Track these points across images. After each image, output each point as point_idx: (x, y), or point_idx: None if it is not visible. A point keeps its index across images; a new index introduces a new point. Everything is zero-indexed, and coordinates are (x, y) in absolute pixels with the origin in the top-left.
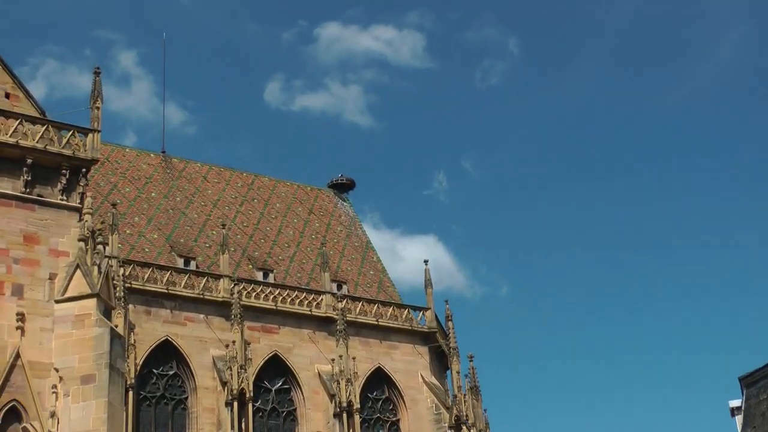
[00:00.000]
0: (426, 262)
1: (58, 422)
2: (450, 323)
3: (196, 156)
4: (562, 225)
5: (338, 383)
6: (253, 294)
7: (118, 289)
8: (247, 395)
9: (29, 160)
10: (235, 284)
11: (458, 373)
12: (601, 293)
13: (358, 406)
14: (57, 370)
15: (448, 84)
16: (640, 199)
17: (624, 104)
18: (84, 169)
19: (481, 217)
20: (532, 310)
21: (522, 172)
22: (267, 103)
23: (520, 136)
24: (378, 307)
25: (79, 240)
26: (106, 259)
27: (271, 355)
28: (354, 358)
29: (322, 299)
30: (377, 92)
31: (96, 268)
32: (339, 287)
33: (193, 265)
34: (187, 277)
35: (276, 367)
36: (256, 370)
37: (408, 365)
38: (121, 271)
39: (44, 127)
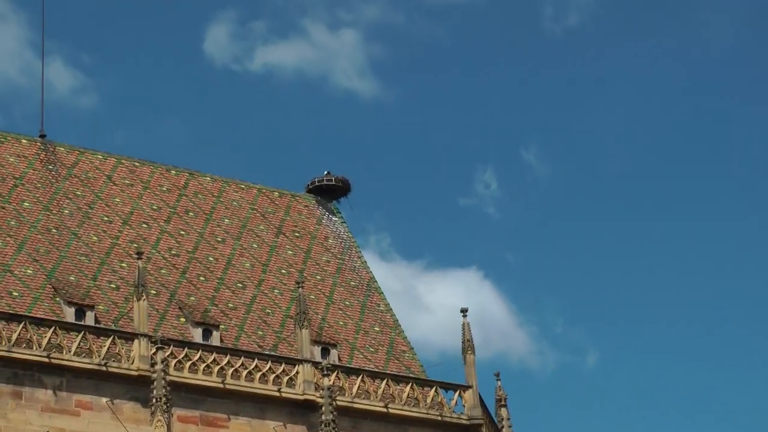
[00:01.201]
0: (465, 312)
1: None
2: (504, 410)
3: (96, 143)
4: (686, 252)
5: None
6: (188, 364)
7: None
8: None
9: None
10: (158, 348)
11: None
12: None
13: None
14: None
15: (500, 27)
16: None
17: None
18: None
19: (553, 240)
20: (635, 388)
21: (618, 169)
22: (209, 59)
23: (615, 112)
24: (388, 384)
25: None
26: None
27: None
28: None
29: (297, 372)
30: (386, 42)
31: None
32: (325, 353)
33: (90, 319)
34: (80, 337)
35: None
36: None
37: None
38: None
39: None
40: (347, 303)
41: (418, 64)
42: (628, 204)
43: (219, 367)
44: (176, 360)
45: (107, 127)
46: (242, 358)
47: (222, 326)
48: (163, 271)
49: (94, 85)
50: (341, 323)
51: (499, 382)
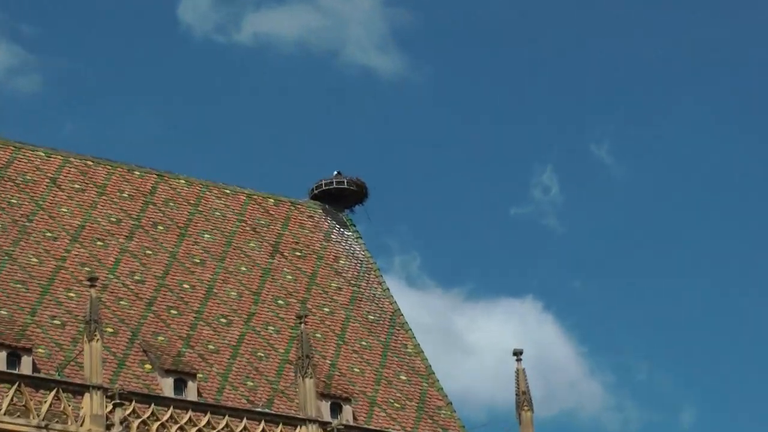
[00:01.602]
0: (519, 355)
1: None
2: None
3: (38, 137)
4: None
5: None
6: (155, 425)
7: None
8: None
9: None
10: (115, 405)
11: None
12: None
13: None
14: None
15: None
16: None
17: None
18: None
19: (633, 261)
20: None
21: (714, 171)
22: (184, 29)
23: (709, 99)
24: None
25: None
26: None
27: None
28: None
29: None
30: (412, 6)
31: None
32: (336, 409)
33: (26, 365)
34: (14, 390)
35: None
36: None
37: None
38: None
39: None
40: (364, 343)
41: (455, 35)
42: (728, 214)
43: (196, 429)
44: (140, 420)
45: (53, 117)
46: (226, 417)
47: (200, 375)
48: (122, 303)
49: (37, 63)
50: (356, 370)
51: None
